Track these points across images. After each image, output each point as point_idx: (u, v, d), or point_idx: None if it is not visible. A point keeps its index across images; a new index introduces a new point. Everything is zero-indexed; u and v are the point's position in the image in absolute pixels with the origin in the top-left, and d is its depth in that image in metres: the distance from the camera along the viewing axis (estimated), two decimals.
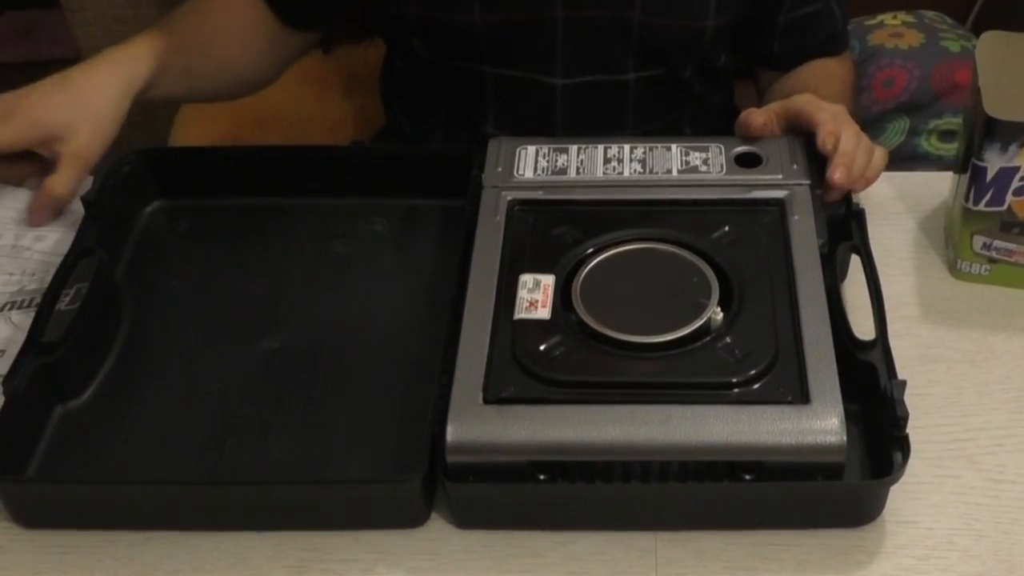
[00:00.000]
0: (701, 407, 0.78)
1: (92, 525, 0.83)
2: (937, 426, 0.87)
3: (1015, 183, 0.92)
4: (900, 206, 1.06)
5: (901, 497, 0.82)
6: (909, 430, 0.79)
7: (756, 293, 0.86)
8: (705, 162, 0.96)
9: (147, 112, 1.99)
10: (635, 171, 0.96)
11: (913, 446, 0.80)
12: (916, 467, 0.84)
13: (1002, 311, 0.96)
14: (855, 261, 0.94)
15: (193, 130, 1.59)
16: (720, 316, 0.84)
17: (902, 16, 1.57)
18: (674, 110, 1.24)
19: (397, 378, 0.91)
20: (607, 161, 0.97)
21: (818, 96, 1.01)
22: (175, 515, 0.83)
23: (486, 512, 0.83)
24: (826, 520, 0.81)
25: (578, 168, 0.96)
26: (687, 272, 0.88)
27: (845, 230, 0.95)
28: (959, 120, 1.43)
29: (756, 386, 0.80)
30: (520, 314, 0.85)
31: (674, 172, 0.95)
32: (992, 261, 0.97)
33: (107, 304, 0.96)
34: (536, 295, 0.86)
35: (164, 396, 0.91)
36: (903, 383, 0.81)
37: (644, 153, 0.97)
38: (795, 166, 0.96)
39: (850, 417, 0.84)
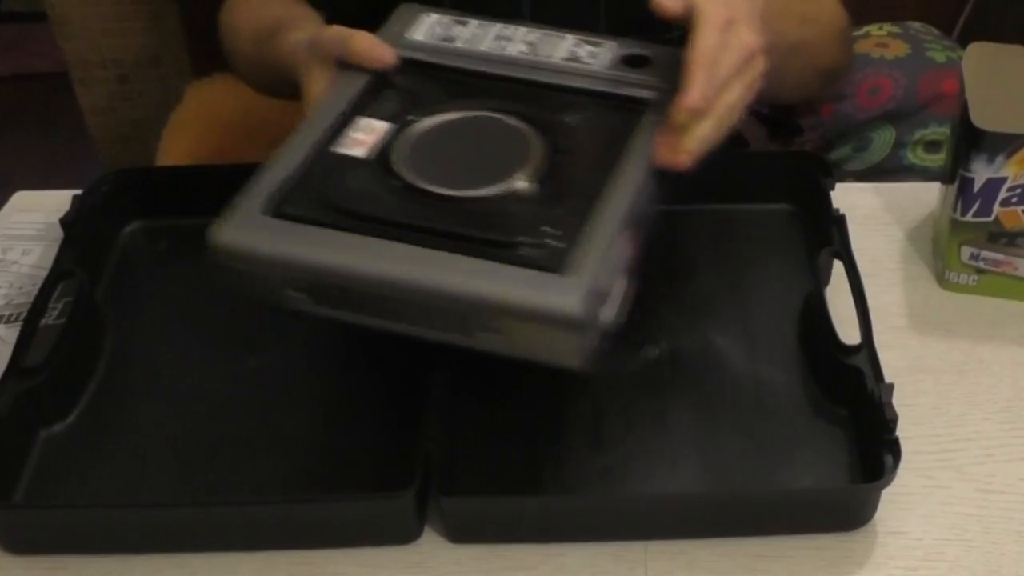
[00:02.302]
0: (460, 257, 0.76)
1: (80, 549, 0.82)
2: (926, 436, 0.87)
3: (1002, 194, 0.93)
4: (888, 217, 1.06)
5: (890, 507, 0.82)
6: (900, 440, 0.79)
7: (575, 176, 0.83)
8: (592, 56, 0.93)
9: (135, 125, 2.00)
10: (519, 51, 0.93)
11: (902, 456, 0.80)
12: (905, 477, 0.84)
13: (990, 321, 0.97)
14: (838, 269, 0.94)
15: (181, 143, 1.59)
16: (527, 186, 0.81)
17: (888, 27, 1.58)
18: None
19: (384, 394, 0.90)
20: (498, 38, 0.94)
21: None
22: (164, 537, 0.83)
23: (478, 526, 0.82)
24: (818, 525, 0.81)
25: (467, 40, 0.94)
26: (518, 144, 0.85)
27: (827, 236, 0.95)
28: (945, 130, 1.43)
29: (523, 250, 0.76)
30: (338, 148, 0.84)
31: (556, 59, 0.92)
32: (980, 272, 0.97)
33: (89, 326, 0.95)
34: (363, 136, 0.85)
35: (148, 417, 0.91)
36: (891, 386, 0.81)
37: (537, 38, 0.94)
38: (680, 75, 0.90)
39: (838, 422, 0.84)
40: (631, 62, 0.92)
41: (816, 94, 1.13)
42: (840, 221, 0.95)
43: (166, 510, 0.83)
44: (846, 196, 1.03)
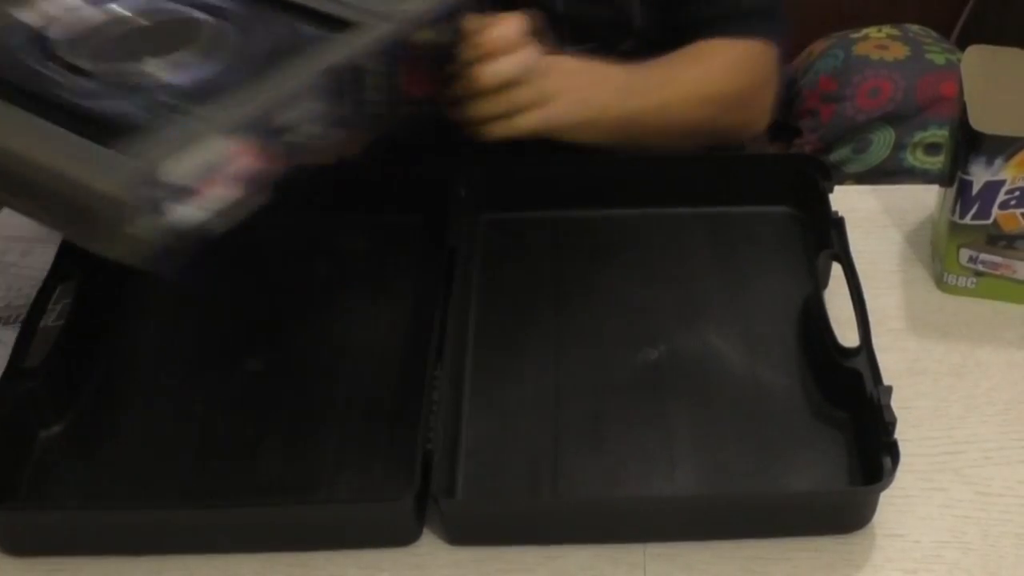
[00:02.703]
0: (48, 125, 0.72)
1: (79, 551, 0.83)
2: (924, 439, 0.87)
3: (1001, 196, 0.93)
4: (886, 219, 1.06)
5: (889, 510, 0.82)
6: (899, 443, 0.79)
7: (218, 75, 0.79)
8: None
9: None
10: None
11: (900, 458, 0.80)
12: (904, 480, 0.84)
13: (989, 324, 0.97)
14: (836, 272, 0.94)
15: None
16: (158, 70, 0.79)
17: (887, 29, 1.58)
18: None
19: (385, 395, 0.91)
20: None
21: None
22: (163, 539, 0.83)
23: (476, 529, 0.82)
24: (816, 527, 0.81)
25: None
26: (185, 34, 0.82)
27: (825, 238, 0.95)
28: (944, 132, 1.43)
29: (107, 127, 0.72)
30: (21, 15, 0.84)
31: None
32: (978, 274, 0.97)
33: (87, 328, 0.95)
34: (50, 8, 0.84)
35: (148, 418, 0.91)
36: (889, 388, 0.81)
37: None
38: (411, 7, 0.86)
39: (837, 425, 0.84)
40: None
41: (708, 142, 1.15)
42: (839, 224, 0.95)
43: (166, 512, 0.83)
44: (845, 199, 1.03)
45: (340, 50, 0.81)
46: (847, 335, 0.87)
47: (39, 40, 0.81)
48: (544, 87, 0.93)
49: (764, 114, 1.14)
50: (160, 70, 0.79)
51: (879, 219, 1.06)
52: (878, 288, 0.99)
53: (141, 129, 0.72)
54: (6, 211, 1.11)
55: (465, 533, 0.82)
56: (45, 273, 0.95)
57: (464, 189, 1.01)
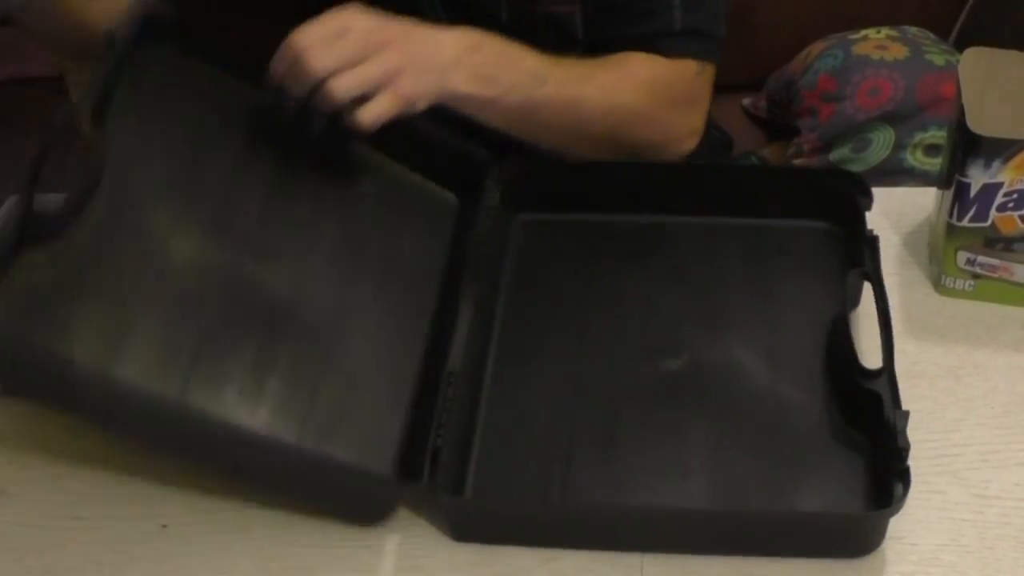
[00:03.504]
0: None
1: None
2: (922, 442, 0.87)
3: (999, 199, 0.92)
4: (884, 222, 1.06)
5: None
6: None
7: None
8: None
9: None
10: None
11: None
12: None
13: (986, 326, 0.96)
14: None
15: None
16: None
17: (886, 31, 1.58)
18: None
19: (400, 384, 0.90)
20: None
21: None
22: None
23: (479, 526, 0.83)
24: (822, 550, 0.81)
25: None
26: None
27: (859, 256, 0.95)
28: (944, 134, 1.43)
29: None
30: None
31: None
32: (976, 277, 0.97)
33: None
34: None
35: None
36: (906, 414, 0.80)
37: None
38: None
39: (854, 446, 0.84)
40: None
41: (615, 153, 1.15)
42: (873, 242, 0.95)
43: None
44: None
45: None
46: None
47: None
48: (387, 61, 0.92)
49: (686, 135, 1.13)
50: None
51: (877, 221, 1.05)
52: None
53: None
54: (2, 212, 1.11)
55: (467, 530, 0.82)
56: None
57: (498, 187, 1.01)
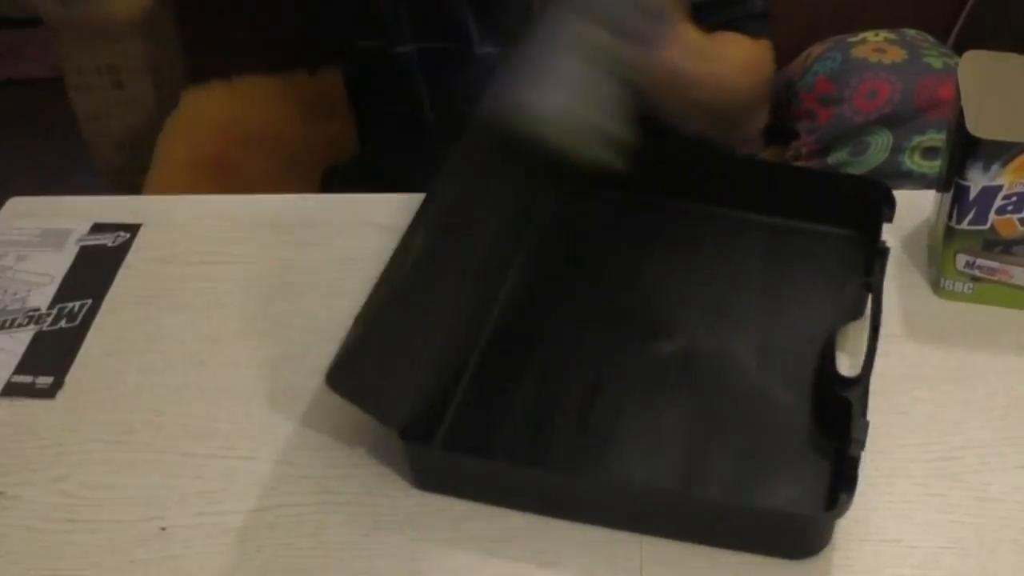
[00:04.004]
0: None
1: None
2: (921, 444, 0.87)
3: (998, 202, 0.92)
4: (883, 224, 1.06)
5: (886, 515, 0.82)
6: (894, 448, 0.79)
7: None
8: None
9: (131, 131, 2.00)
10: None
11: (897, 465, 0.80)
12: (901, 485, 0.84)
13: (985, 329, 0.96)
14: None
15: (176, 150, 1.59)
16: None
17: (884, 33, 1.58)
18: None
19: None
20: None
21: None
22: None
23: (438, 478, 0.85)
24: (767, 547, 0.81)
25: None
26: None
27: (868, 266, 0.95)
28: (942, 136, 1.43)
29: None
30: None
31: None
32: (975, 279, 0.97)
33: None
34: None
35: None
36: (865, 424, 0.81)
37: None
38: None
39: (822, 451, 0.85)
40: None
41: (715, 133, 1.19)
42: (883, 254, 0.95)
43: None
44: None
45: None
46: (844, 340, 0.87)
47: None
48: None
49: (766, 110, 1.22)
50: None
51: None
52: None
53: None
54: (0, 214, 1.11)
55: (426, 480, 0.85)
56: (43, 277, 0.95)
57: None
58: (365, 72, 1.33)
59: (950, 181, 0.94)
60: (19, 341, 0.97)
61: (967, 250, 0.96)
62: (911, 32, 1.60)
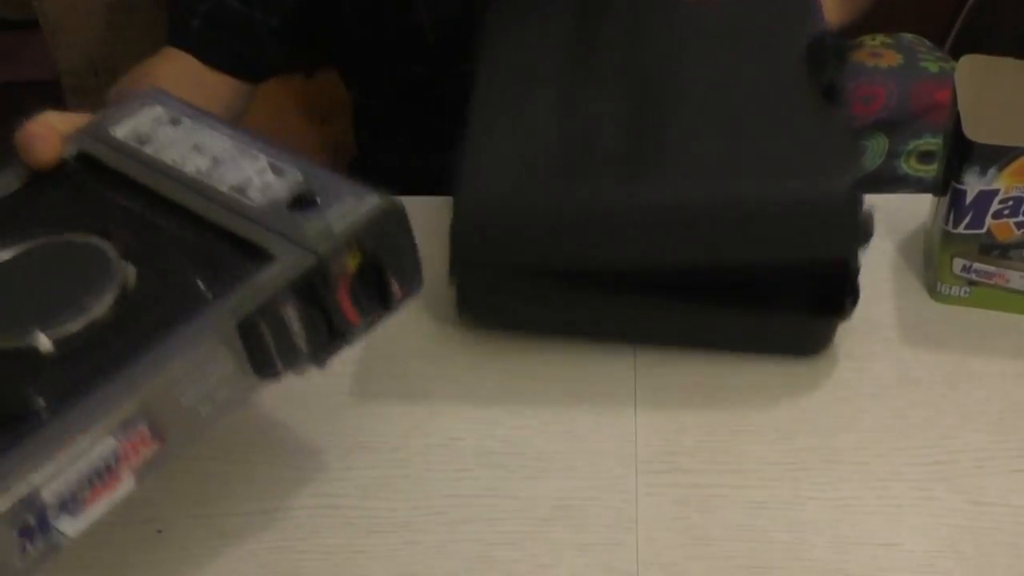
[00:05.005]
0: None
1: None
2: (917, 448, 0.87)
3: (994, 206, 0.93)
4: (879, 228, 1.05)
5: (882, 519, 0.82)
6: (889, 452, 0.79)
7: (109, 342, 0.71)
8: (267, 187, 0.81)
9: None
10: (198, 168, 0.83)
11: (893, 468, 0.80)
12: (896, 489, 0.84)
13: (982, 333, 0.97)
14: None
15: None
16: (47, 346, 0.71)
17: (881, 38, 1.58)
18: None
19: None
20: (192, 148, 0.85)
21: None
22: None
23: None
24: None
25: (161, 145, 0.85)
26: (94, 288, 0.74)
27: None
28: (938, 141, 1.43)
29: None
30: None
31: (226, 185, 0.81)
32: (972, 283, 0.97)
33: None
34: None
35: None
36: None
37: (228, 153, 0.84)
38: (333, 228, 0.78)
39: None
40: (298, 203, 0.79)
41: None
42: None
43: None
44: None
45: (252, 297, 0.71)
46: (843, 345, 0.87)
47: None
48: None
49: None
50: (39, 340, 0.70)
51: None
52: (871, 296, 0.99)
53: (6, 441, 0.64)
54: None
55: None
56: None
57: None
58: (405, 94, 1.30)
59: (946, 185, 0.94)
60: None
61: (963, 254, 0.96)
62: (908, 37, 1.60)
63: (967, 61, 0.98)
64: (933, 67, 1.51)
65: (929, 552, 0.81)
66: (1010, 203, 0.92)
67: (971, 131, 0.91)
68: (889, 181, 1.47)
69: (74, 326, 0.71)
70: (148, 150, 0.85)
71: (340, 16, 1.19)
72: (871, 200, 0.99)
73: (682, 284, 0.88)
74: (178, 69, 1.15)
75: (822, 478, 0.86)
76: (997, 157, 0.90)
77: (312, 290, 0.73)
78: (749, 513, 0.84)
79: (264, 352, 0.72)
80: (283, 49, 1.22)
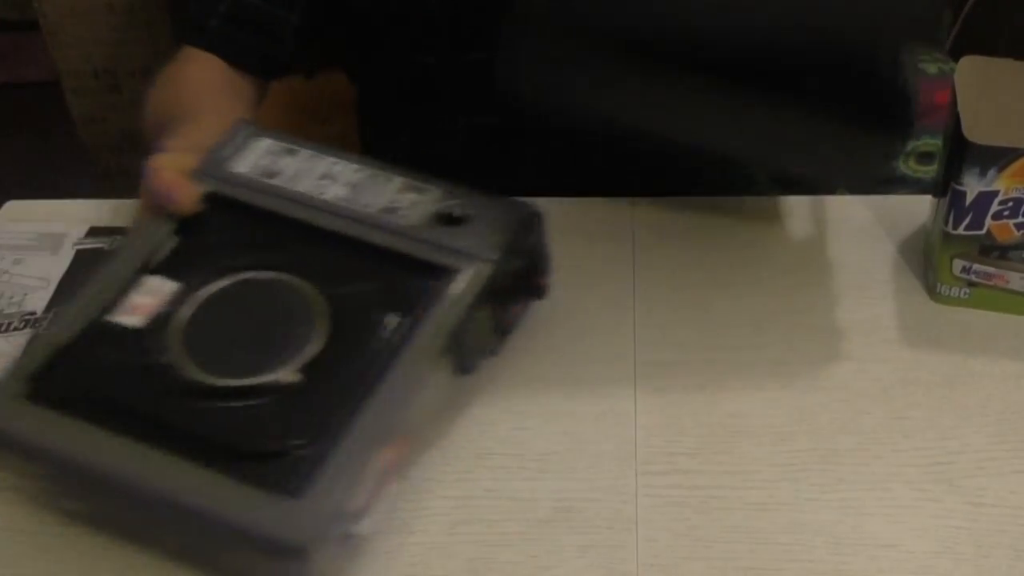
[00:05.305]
0: (193, 467, 0.74)
1: None
2: (917, 449, 0.87)
3: (994, 207, 0.93)
4: (879, 229, 1.06)
5: (882, 520, 0.82)
6: (889, 453, 0.79)
7: (349, 367, 0.80)
8: (412, 205, 0.89)
9: (127, 135, 1.99)
10: (338, 195, 0.89)
11: (893, 469, 0.80)
12: (896, 490, 0.84)
13: (981, 334, 0.97)
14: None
15: None
16: (292, 378, 0.79)
17: None
18: None
19: None
20: (322, 176, 0.90)
21: None
22: None
23: None
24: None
25: (290, 176, 0.90)
26: (305, 320, 0.82)
27: None
28: (937, 142, 1.43)
29: (264, 463, 0.74)
30: (114, 316, 0.82)
31: (374, 209, 0.88)
32: (971, 285, 0.97)
33: None
34: (145, 300, 0.82)
35: None
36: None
37: (362, 178, 0.91)
38: (496, 236, 0.87)
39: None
40: (448, 219, 0.88)
41: None
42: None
43: None
44: (838, 208, 1.04)
45: (452, 311, 0.82)
46: (840, 345, 0.86)
47: (148, 346, 0.81)
48: None
49: None
50: (285, 375, 0.79)
51: (872, 229, 1.07)
52: (871, 298, 0.99)
53: (292, 460, 0.74)
54: None
55: None
56: (39, 281, 0.95)
57: None
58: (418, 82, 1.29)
59: (946, 186, 0.94)
60: (15, 344, 0.97)
61: (963, 255, 0.96)
62: None
63: (967, 61, 0.98)
64: (932, 68, 1.51)
65: (929, 553, 0.81)
66: (1010, 204, 0.92)
67: (971, 132, 0.91)
68: (888, 182, 1.48)
69: (301, 359, 0.80)
70: (280, 183, 0.90)
71: (352, 7, 1.19)
72: (871, 200, 1.00)
73: (742, 62, 0.82)
74: (209, 72, 1.15)
75: (822, 479, 0.86)
76: (997, 158, 0.90)
77: (492, 294, 0.84)
78: (749, 514, 0.84)
79: (466, 355, 0.85)
80: (301, 46, 1.22)
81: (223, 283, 0.85)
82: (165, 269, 0.85)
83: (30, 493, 0.85)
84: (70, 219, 1.11)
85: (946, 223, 0.95)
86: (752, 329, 0.97)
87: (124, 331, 0.82)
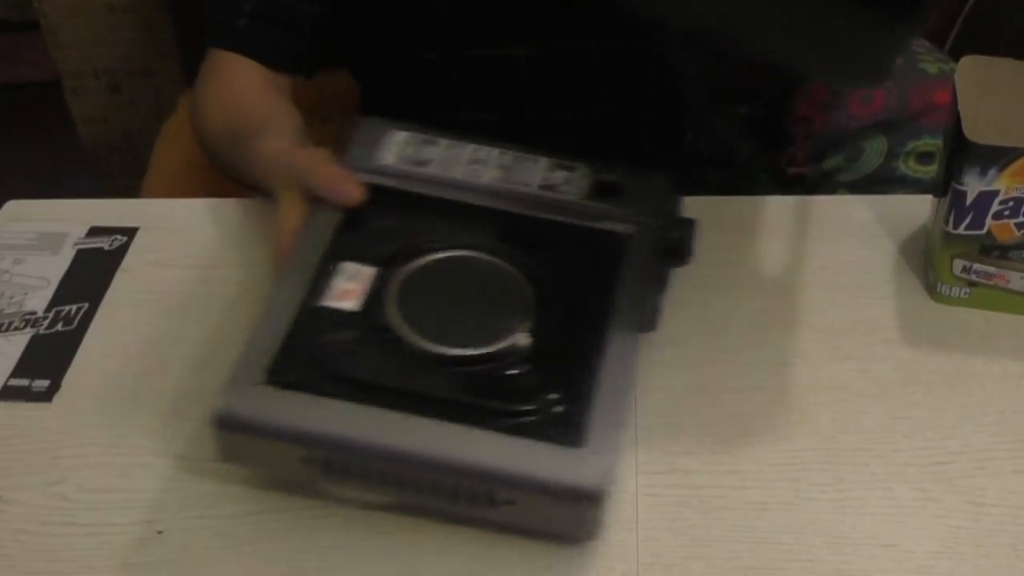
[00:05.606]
0: (472, 429, 0.77)
1: None
2: (917, 449, 0.87)
3: (995, 207, 0.93)
4: (879, 229, 1.06)
5: (882, 520, 0.82)
6: (889, 453, 0.79)
7: (568, 325, 0.85)
8: (567, 181, 0.94)
9: (128, 135, 2.00)
10: (495, 177, 0.94)
11: (893, 469, 0.80)
12: (897, 490, 0.84)
13: (982, 334, 0.97)
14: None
15: (173, 154, 1.58)
16: (526, 342, 0.83)
17: None
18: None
19: None
20: (472, 162, 0.95)
21: None
22: None
23: None
24: None
25: (440, 164, 0.94)
26: (510, 290, 0.87)
27: None
28: (937, 142, 1.44)
29: (535, 418, 0.78)
30: (327, 301, 0.84)
31: (534, 186, 0.94)
32: (972, 284, 0.97)
33: None
34: (350, 285, 0.85)
35: None
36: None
37: (510, 161, 0.95)
38: (654, 201, 0.94)
39: None
40: (606, 189, 0.94)
41: None
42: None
43: None
44: (838, 208, 1.04)
45: (638, 277, 0.88)
46: (838, 348, 0.87)
47: (373, 326, 0.83)
48: None
49: None
50: (519, 338, 0.83)
51: (872, 229, 1.07)
52: (871, 297, 0.99)
53: (558, 414, 0.78)
54: None
55: None
56: (39, 281, 0.95)
57: None
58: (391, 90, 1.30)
59: (947, 186, 0.94)
60: (16, 344, 0.97)
61: (964, 255, 0.96)
62: None
63: (967, 61, 0.98)
64: (932, 68, 1.51)
65: (929, 553, 0.81)
66: (1010, 204, 0.92)
67: (971, 132, 0.91)
68: (888, 182, 1.47)
69: (526, 325, 0.84)
70: (433, 171, 0.94)
71: (356, 2, 1.19)
72: (871, 200, 1.00)
73: None
74: (253, 75, 1.15)
75: (822, 479, 0.86)
76: (997, 158, 0.90)
77: (662, 254, 0.90)
78: (749, 514, 0.84)
79: (647, 312, 0.89)
80: (326, 41, 1.22)
81: (419, 263, 0.88)
82: (351, 256, 0.87)
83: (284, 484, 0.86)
84: (70, 219, 1.11)
85: (946, 223, 0.95)
86: (752, 329, 0.97)
87: (344, 314, 0.84)
